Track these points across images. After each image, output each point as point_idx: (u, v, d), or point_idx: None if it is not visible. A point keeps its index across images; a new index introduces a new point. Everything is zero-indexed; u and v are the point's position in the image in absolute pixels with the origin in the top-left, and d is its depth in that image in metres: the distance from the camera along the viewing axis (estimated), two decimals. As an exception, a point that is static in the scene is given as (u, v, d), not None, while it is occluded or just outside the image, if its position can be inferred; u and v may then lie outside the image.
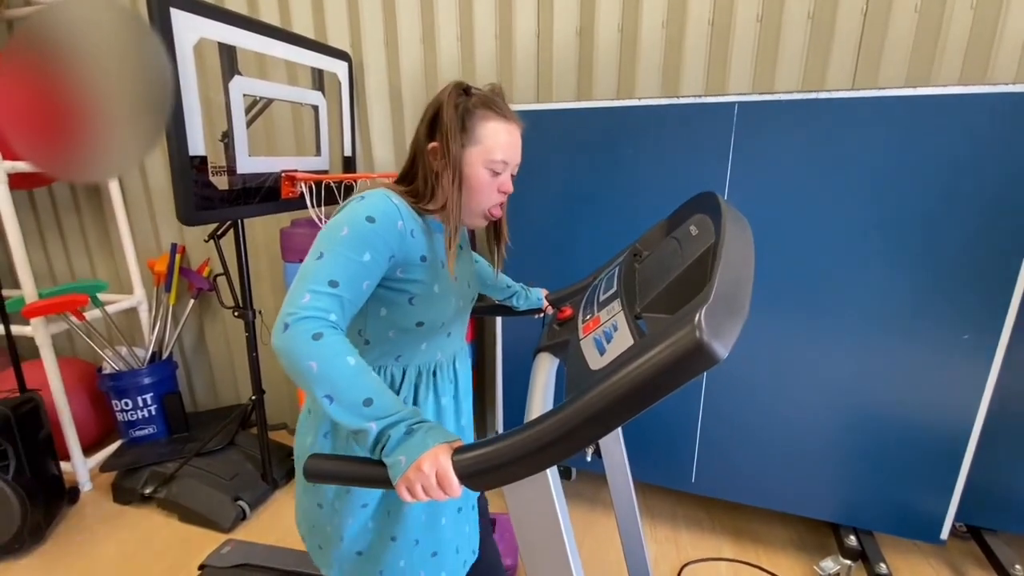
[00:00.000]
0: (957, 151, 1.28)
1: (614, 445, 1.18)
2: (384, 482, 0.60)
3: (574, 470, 2.12)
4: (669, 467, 1.76)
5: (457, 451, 0.58)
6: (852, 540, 1.61)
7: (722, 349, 0.45)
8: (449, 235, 0.82)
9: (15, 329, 1.96)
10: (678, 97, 1.48)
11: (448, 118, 0.78)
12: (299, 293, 0.67)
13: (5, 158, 1.82)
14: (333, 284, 0.68)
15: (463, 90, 0.81)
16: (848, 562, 1.57)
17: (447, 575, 0.93)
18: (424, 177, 0.82)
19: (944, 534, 1.50)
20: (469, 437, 1.02)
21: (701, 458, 1.71)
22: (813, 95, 1.35)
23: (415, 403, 0.88)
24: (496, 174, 0.82)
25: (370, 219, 0.73)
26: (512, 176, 0.85)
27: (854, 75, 1.63)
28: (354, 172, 2.11)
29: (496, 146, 0.80)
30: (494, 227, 0.92)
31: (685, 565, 1.67)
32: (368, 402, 0.62)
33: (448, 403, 0.92)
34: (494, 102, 0.81)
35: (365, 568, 0.89)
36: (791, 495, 1.64)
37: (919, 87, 1.28)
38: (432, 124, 0.81)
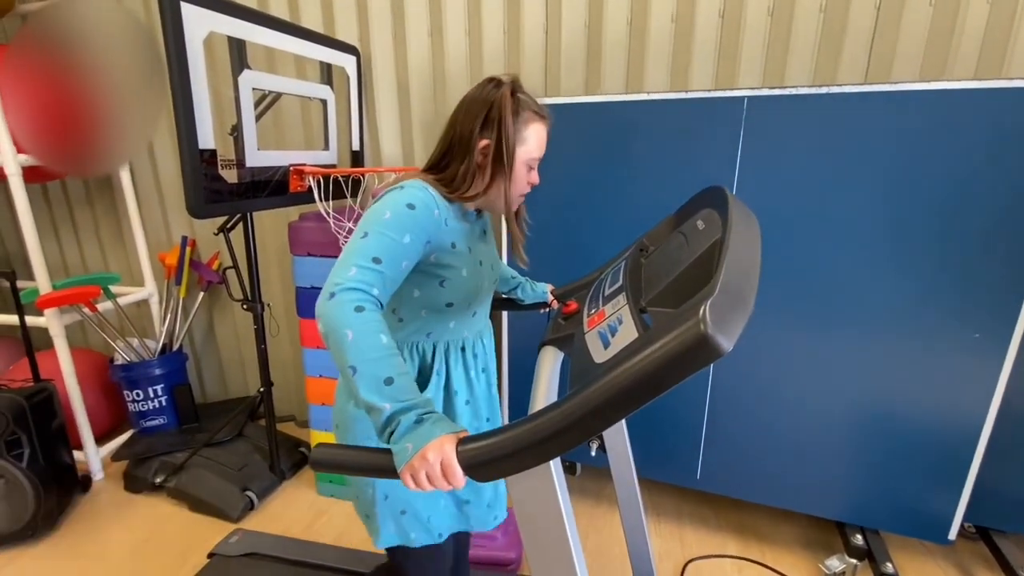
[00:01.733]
0: (971, 147, 1.26)
1: (619, 441, 1.18)
2: (389, 471, 0.60)
3: (579, 466, 2.13)
4: (674, 464, 1.76)
5: (462, 441, 0.58)
6: (858, 539, 1.60)
7: (727, 342, 0.45)
8: (508, 220, 0.92)
9: (29, 320, 1.99)
10: (687, 91, 1.47)
11: (509, 124, 0.84)
12: (346, 266, 0.72)
13: (19, 152, 1.85)
14: (376, 261, 0.73)
15: (512, 91, 0.85)
16: (854, 561, 1.57)
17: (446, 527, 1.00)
18: (466, 169, 0.86)
19: (952, 534, 1.49)
20: (498, 409, 1.07)
21: (706, 455, 1.71)
22: (824, 89, 1.34)
23: (447, 377, 0.95)
24: (530, 169, 0.90)
25: (411, 206, 0.80)
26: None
27: (867, 69, 1.61)
28: (362, 166, 2.11)
29: (537, 146, 0.89)
30: (516, 212, 0.98)
31: (689, 561, 1.67)
32: (389, 381, 0.64)
33: (476, 376, 0.99)
34: (535, 104, 0.88)
35: (408, 521, 0.95)
36: (797, 493, 1.63)
37: (933, 81, 1.26)
38: (485, 121, 0.85)
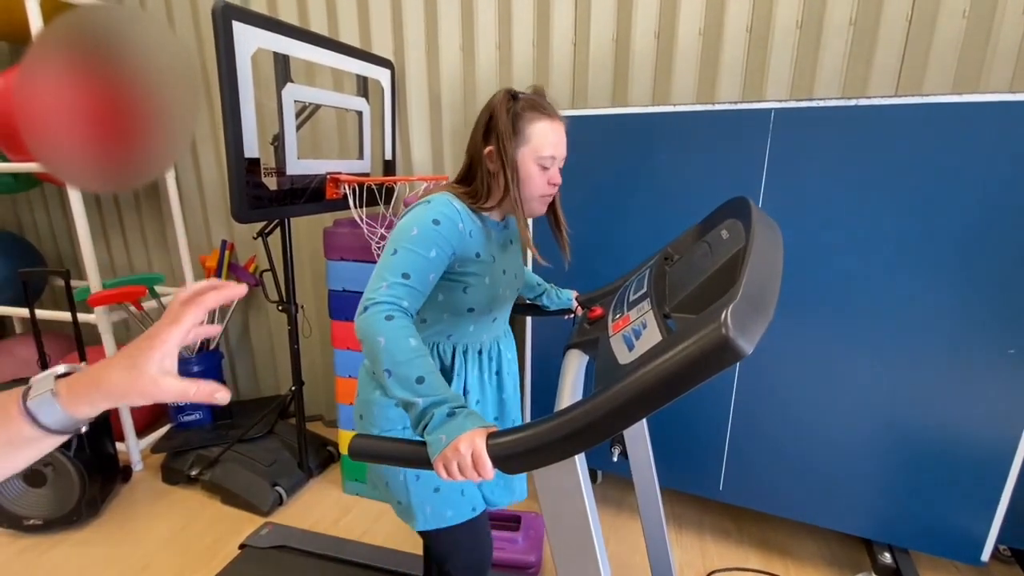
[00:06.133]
0: (1005, 160, 1.25)
1: (641, 449, 1.19)
2: (423, 462, 0.64)
3: (600, 473, 2.13)
4: (697, 474, 1.75)
5: (492, 435, 0.62)
6: (886, 557, 1.56)
7: (747, 345, 0.48)
8: (520, 225, 0.92)
9: (80, 317, 2.11)
10: (713, 104, 1.49)
11: (502, 124, 0.87)
12: (378, 282, 0.80)
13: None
14: (406, 276, 0.81)
15: (512, 96, 0.89)
16: (881, 579, 1.54)
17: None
18: (481, 178, 0.91)
19: (985, 556, 1.45)
20: (514, 411, 1.11)
21: (730, 466, 1.70)
22: (853, 102, 1.34)
23: (464, 377, 1.00)
24: (545, 168, 0.91)
25: (436, 221, 0.85)
26: (559, 169, 0.94)
27: (897, 81, 1.60)
28: (394, 175, 2.18)
29: (544, 144, 0.89)
30: (554, 217, 1.02)
31: (711, 574, 1.66)
32: (420, 380, 0.70)
33: (490, 379, 1.04)
34: (540, 103, 0.89)
35: (443, 499, 0.98)
36: (823, 508, 1.61)
37: (966, 94, 1.25)
38: (487, 129, 0.89)
